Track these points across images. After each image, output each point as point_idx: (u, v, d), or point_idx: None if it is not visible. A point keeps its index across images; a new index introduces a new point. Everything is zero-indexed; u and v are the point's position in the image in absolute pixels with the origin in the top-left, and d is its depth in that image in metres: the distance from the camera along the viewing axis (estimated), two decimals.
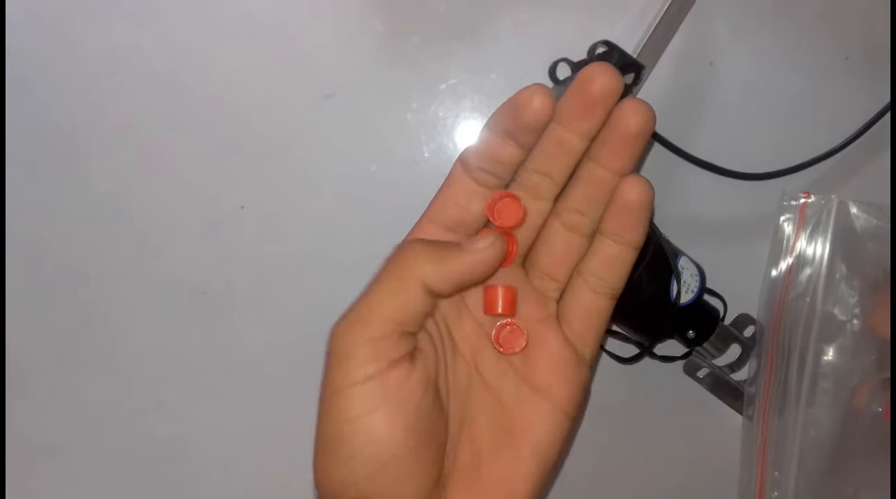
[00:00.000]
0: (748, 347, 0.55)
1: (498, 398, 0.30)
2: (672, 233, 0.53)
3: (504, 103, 0.31)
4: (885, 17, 0.58)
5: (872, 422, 0.28)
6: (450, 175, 0.32)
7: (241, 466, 0.55)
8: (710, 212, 0.58)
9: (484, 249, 0.29)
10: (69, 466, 0.54)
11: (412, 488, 0.27)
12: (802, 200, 0.29)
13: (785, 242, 0.29)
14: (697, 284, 0.51)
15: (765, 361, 0.29)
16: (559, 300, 0.32)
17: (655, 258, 0.50)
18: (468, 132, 0.57)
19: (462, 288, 0.30)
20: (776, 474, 0.28)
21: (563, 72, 0.55)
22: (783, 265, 0.30)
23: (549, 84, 0.55)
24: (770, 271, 0.30)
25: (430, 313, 0.30)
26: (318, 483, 0.28)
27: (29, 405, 0.54)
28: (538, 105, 0.29)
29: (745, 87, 0.58)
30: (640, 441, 0.57)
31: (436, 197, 0.32)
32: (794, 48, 0.58)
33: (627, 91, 0.50)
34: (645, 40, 0.52)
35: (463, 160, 0.32)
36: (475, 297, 0.32)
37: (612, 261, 0.31)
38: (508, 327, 0.30)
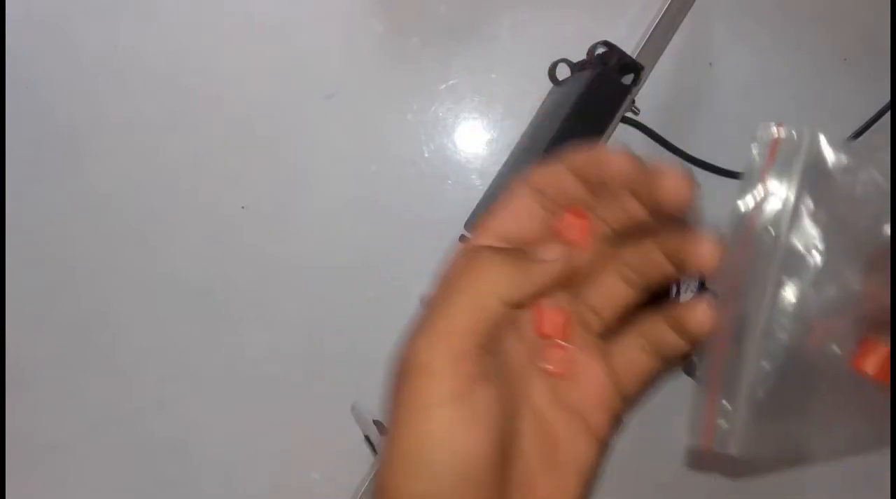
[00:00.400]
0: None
1: (544, 419, 0.31)
2: None
3: (591, 152, 0.31)
4: (883, 18, 0.58)
5: (828, 363, 0.28)
6: (511, 190, 0.32)
7: (241, 466, 0.55)
8: (708, 211, 0.58)
9: (556, 259, 0.29)
10: (69, 466, 0.54)
11: None
12: (774, 135, 0.29)
13: (754, 175, 0.30)
14: (697, 283, 0.51)
15: (727, 291, 0.29)
16: (612, 341, 0.33)
17: None
18: (468, 132, 0.57)
19: (535, 298, 0.30)
20: (724, 402, 0.29)
21: (563, 72, 0.55)
22: (750, 200, 0.30)
23: (549, 84, 0.55)
24: (738, 206, 0.30)
25: (504, 326, 0.30)
26: (389, 495, 0.28)
27: (29, 405, 0.54)
28: (619, 169, 0.29)
29: (745, 88, 0.58)
30: (640, 440, 0.57)
31: (493, 209, 0.32)
32: (793, 49, 0.58)
33: (627, 91, 0.50)
34: (644, 41, 0.52)
35: (530, 181, 0.32)
36: (526, 315, 0.32)
37: (669, 344, 0.32)
38: (558, 350, 0.30)
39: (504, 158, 0.56)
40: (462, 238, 0.53)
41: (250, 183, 0.55)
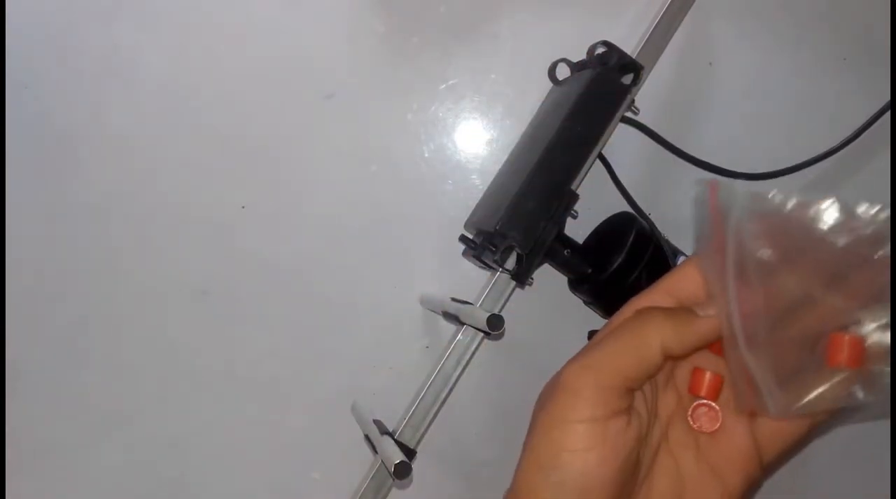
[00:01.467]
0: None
1: (679, 468, 0.33)
2: (671, 232, 0.53)
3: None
4: (883, 18, 0.58)
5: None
6: (689, 258, 0.35)
7: (241, 466, 0.55)
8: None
9: (716, 316, 0.31)
10: (69, 466, 0.54)
11: None
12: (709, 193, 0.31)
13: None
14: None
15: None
16: None
17: (654, 257, 0.50)
18: (468, 132, 0.57)
19: (693, 352, 0.33)
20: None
21: (563, 72, 0.55)
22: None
23: (549, 84, 0.55)
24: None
25: (654, 375, 0.33)
26: (520, 493, 0.31)
27: (29, 405, 0.54)
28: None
29: (745, 88, 0.58)
30: None
31: (671, 272, 0.34)
32: (792, 49, 0.58)
33: (626, 91, 0.50)
34: (644, 41, 0.53)
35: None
36: (684, 371, 0.35)
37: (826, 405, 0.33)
38: (705, 408, 0.33)
39: (504, 157, 0.56)
40: (462, 238, 0.53)
41: (250, 183, 0.55)
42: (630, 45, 0.52)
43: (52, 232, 0.54)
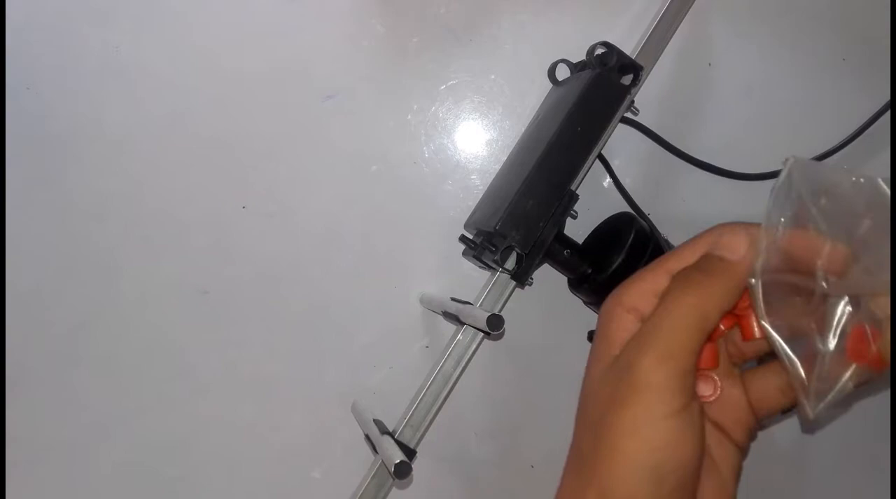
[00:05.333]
0: None
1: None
2: (671, 232, 0.53)
3: (818, 238, 0.31)
4: (882, 19, 0.58)
5: None
6: (700, 235, 0.35)
7: (241, 465, 0.55)
8: (707, 211, 0.58)
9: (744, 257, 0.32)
10: (69, 466, 0.54)
11: None
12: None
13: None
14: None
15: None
16: (750, 371, 0.36)
17: (654, 257, 0.50)
18: (468, 132, 0.57)
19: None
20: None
21: (563, 72, 0.55)
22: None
23: (549, 85, 0.55)
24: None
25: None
26: (609, 495, 0.31)
27: (29, 405, 0.54)
28: (834, 265, 0.30)
29: (744, 88, 0.58)
30: None
31: (676, 250, 0.35)
32: (792, 49, 0.59)
33: (626, 92, 0.50)
34: (644, 41, 0.53)
35: (720, 231, 0.34)
36: None
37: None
38: (704, 378, 0.34)
39: (504, 158, 0.56)
40: (462, 238, 0.53)
41: (250, 183, 0.55)
42: (630, 46, 0.52)
43: (52, 232, 0.54)
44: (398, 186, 0.56)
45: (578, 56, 0.52)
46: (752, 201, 0.57)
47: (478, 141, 0.57)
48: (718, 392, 0.34)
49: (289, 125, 0.55)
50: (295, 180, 0.55)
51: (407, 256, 0.56)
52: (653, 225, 0.52)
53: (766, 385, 0.34)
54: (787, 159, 0.31)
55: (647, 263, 0.50)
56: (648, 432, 0.30)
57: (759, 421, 0.35)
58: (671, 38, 0.54)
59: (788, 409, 0.34)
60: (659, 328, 0.31)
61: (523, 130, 0.56)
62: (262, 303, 0.55)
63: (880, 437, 0.59)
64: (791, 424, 0.57)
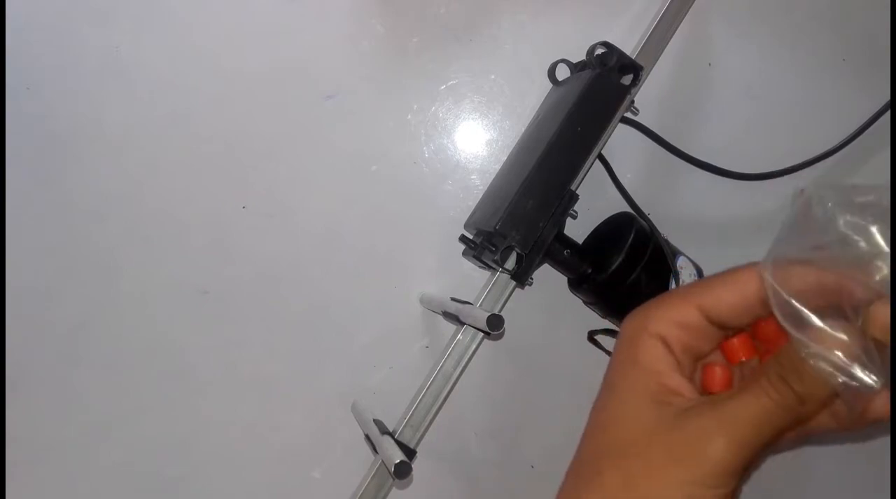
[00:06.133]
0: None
1: None
2: (671, 233, 0.53)
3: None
4: (882, 19, 0.58)
5: None
6: (739, 273, 0.33)
7: (241, 465, 0.55)
8: (708, 212, 0.58)
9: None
10: (69, 466, 0.54)
11: None
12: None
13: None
14: (695, 269, 0.51)
15: None
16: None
17: (654, 258, 0.50)
18: (468, 132, 0.57)
19: None
20: None
21: (563, 72, 0.55)
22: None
23: (549, 85, 0.55)
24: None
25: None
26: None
27: (29, 405, 0.54)
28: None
29: (744, 88, 0.58)
30: None
31: (710, 285, 0.34)
32: (792, 49, 0.59)
33: (626, 92, 0.50)
34: (644, 41, 0.53)
35: (774, 273, 0.33)
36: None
37: (820, 427, 0.34)
38: (717, 368, 0.33)
39: (504, 158, 0.56)
40: (462, 238, 0.53)
41: (250, 183, 0.55)
42: (630, 46, 0.52)
43: (52, 232, 0.54)
44: (398, 186, 0.56)
45: (578, 56, 0.52)
46: (752, 201, 0.58)
47: (478, 141, 0.57)
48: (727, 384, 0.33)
49: (289, 125, 0.55)
50: (295, 180, 0.55)
51: (407, 256, 0.56)
52: (653, 225, 0.52)
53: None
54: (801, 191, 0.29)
55: (647, 263, 0.50)
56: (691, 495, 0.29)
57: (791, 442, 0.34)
58: (671, 38, 0.54)
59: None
60: (742, 411, 0.30)
61: (523, 129, 0.56)
62: (262, 303, 0.55)
63: (880, 436, 0.59)
64: None
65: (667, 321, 0.32)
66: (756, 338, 0.33)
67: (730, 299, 0.31)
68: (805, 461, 0.59)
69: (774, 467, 0.58)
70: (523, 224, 0.47)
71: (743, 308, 0.31)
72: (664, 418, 0.31)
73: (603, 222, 0.55)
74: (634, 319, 0.33)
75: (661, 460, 0.30)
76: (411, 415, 0.49)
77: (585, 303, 0.55)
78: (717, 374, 0.33)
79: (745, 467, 0.30)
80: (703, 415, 0.30)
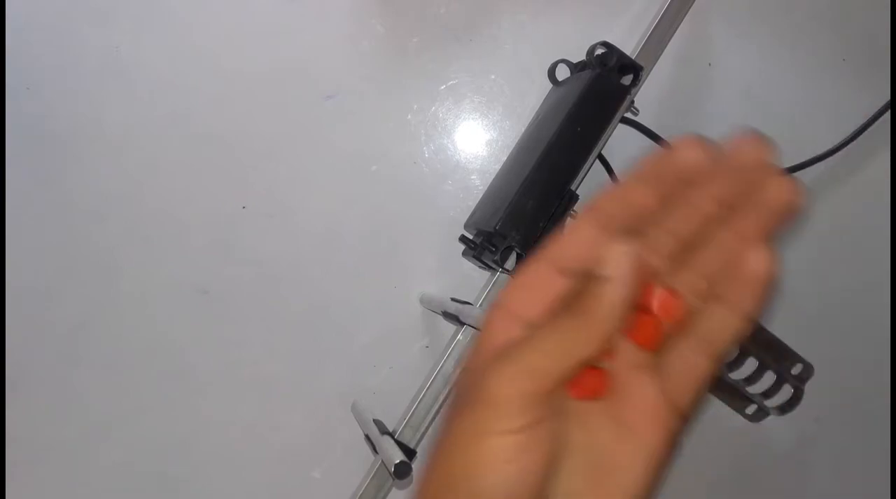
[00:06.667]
0: (746, 346, 0.55)
1: (596, 443, 0.31)
2: None
3: (657, 152, 0.31)
4: (882, 19, 0.58)
5: None
6: (573, 220, 0.32)
7: (241, 465, 0.55)
8: None
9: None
10: (69, 466, 0.54)
11: None
12: None
13: None
14: None
15: None
16: (666, 352, 0.33)
17: None
18: (468, 133, 0.57)
19: None
20: None
21: (563, 73, 0.55)
22: None
23: (549, 85, 0.55)
24: None
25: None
26: None
27: (29, 406, 0.54)
28: (693, 155, 0.29)
29: (744, 88, 0.58)
30: None
31: (558, 239, 0.32)
32: (792, 49, 0.59)
33: (626, 92, 0.50)
34: (644, 41, 0.53)
35: (596, 207, 0.32)
36: None
37: (725, 329, 0.32)
38: (591, 374, 0.30)
39: (504, 158, 0.56)
40: (462, 238, 0.53)
41: (250, 183, 0.55)
42: (630, 46, 0.52)
43: (52, 232, 0.54)
44: (398, 186, 0.56)
45: (578, 56, 0.52)
46: None
47: (478, 141, 0.57)
48: (604, 389, 0.30)
49: (289, 125, 0.55)
50: (295, 180, 0.55)
51: (407, 256, 0.56)
52: None
53: (681, 356, 0.31)
54: None
55: None
56: (478, 445, 0.28)
57: (682, 413, 0.32)
58: (671, 38, 0.54)
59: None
60: (528, 345, 0.29)
61: (523, 129, 0.56)
62: (262, 303, 0.55)
63: (880, 437, 0.59)
64: (791, 424, 0.57)
65: (522, 294, 0.31)
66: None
67: (576, 250, 0.30)
68: (805, 461, 0.59)
69: (775, 466, 0.58)
70: (523, 224, 0.47)
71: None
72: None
73: None
74: (494, 303, 0.31)
75: (453, 419, 0.28)
76: (411, 415, 0.49)
77: None
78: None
79: (539, 405, 0.28)
80: (490, 359, 0.29)
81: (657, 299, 0.30)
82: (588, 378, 0.30)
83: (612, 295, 0.28)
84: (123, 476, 0.54)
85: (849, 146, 0.56)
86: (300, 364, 0.56)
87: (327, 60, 0.56)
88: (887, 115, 0.56)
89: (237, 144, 0.55)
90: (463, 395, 0.29)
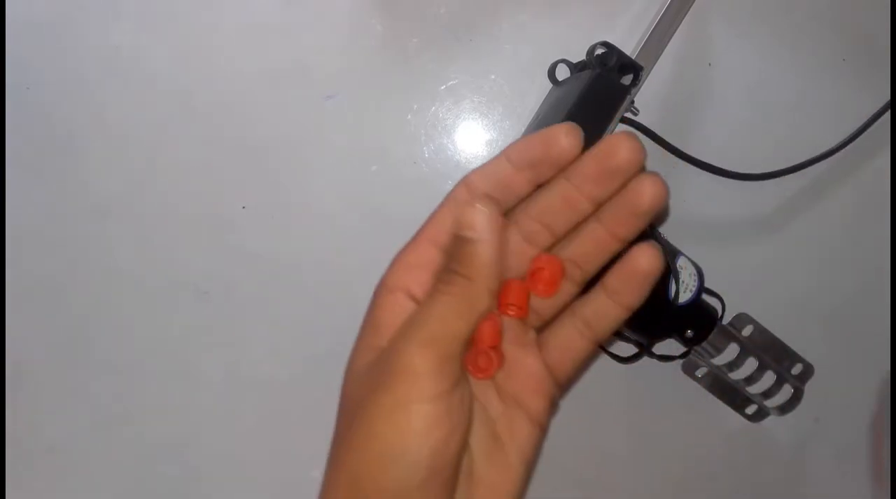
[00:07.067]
0: (746, 346, 0.55)
1: (489, 413, 0.33)
2: (670, 233, 0.53)
3: (531, 135, 0.31)
4: (882, 18, 0.58)
5: None
6: (451, 196, 0.33)
7: (240, 465, 0.55)
8: (708, 212, 0.58)
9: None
10: (69, 466, 0.54)
11: (445, 496, 0.30)
12: None
13: None
14: (696, 283, 0.51)
15: None
16: (549, 329, 0.35)
17: None
18: (468, 133, 0.57)
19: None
20: None
21: (563, 73, 0.55)
22: None
23: (549, 85, 0.55)
24: None
25: None
26: (362, 483, 0.30)
27: (29, 405, 0.54)
28: (567, 143, 0.30)
29: (744, 88, 0.58)
30: (639, 440, 0.57)
31: (433, 216, 0.33)
32: (792, 49, 0.58)
33: (626, 92, 0.50)
34: (644, 41, 0.53)
35: (468, 182, 0.33)
36: None
37: (605, 316, 0.34)
38: (482, 355, 0.32)
39: None
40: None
41: (250, 183, 0.55)
42: (630, 46, 0.52)
43: (52, 232, 0.54)
44: (398, 186, 0.56)
45: (578, 56, 0.52)
46: (752, 201, 0.57)
47: (478, 141, 0.57)
48: (498, 366, 0.32)
49: (289, 125, 0.55)
50: (295, 180, 0.55)
51: None
52: (653, 225, 0.52)
53: (564, 336, 0.34)
54: None
55: None
56: (403, 416, 0.29)
57: (562, 384, 0.34)
58: (671, 38, 0.54)
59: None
60: (426, 314, 0.30)
61: (523, 130, 0.56)
62: (263, 303, 0.55)
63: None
64: (791, 424, 0.57)
65: (404, 269, 0.33)
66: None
67: (448, 222, 0.32)
68: (805, 461, 0.59)
69: (775, 466, 0.59)
70: None
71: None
72: (378, 359, 0.31)
73: None
74: (379, 281, 0.33)
75: (372, 397, 0.30)
76: None
77: None
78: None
79: (451, 370, 0.29)
80: (395, 335, 0.31)
81: (531, 265, 0.33)
82: (480, 359, 0.32)
83: (482, 252, 0.30)
84: (123, 476, 0.54)
85: (849, 146, 0.56)
86: (300, 364, 0.56)
87: (327, 60, 0.56)
88: (887, 115, 0.56)
89: (237, 144, 0.55)
90: (373, 378, 0.30)
